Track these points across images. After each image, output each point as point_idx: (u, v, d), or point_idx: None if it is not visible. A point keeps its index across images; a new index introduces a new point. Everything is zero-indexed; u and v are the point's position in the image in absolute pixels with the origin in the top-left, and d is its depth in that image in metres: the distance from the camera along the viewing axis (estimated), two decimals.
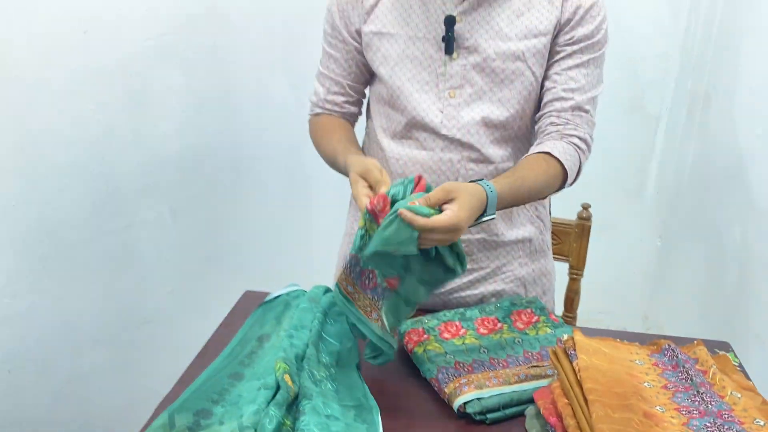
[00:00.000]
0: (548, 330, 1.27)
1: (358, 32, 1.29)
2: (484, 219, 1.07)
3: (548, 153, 1.19)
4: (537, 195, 1.21)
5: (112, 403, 1.70)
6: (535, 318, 1.30)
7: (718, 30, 2.21)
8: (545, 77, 1.25)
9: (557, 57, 1.23)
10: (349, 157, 1.17)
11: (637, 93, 2.47)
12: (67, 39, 1.40)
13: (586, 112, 1.24)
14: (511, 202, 1.15)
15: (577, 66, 1.23)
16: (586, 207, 1.71)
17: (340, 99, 1.37)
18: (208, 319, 1.73)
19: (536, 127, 1.29)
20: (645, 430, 0.86)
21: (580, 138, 1.23)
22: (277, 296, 1.39)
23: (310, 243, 2.13)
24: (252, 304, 1.38)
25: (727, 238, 2.06)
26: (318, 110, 1.40)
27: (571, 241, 1.71)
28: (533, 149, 1.23)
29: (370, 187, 1.08)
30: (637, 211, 2.64)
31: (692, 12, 2.31)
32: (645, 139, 2.55)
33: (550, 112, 1.24)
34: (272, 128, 2.03)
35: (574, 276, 1.74)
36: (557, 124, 1.23)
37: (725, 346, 1.24)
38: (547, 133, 1.24)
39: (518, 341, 1.23)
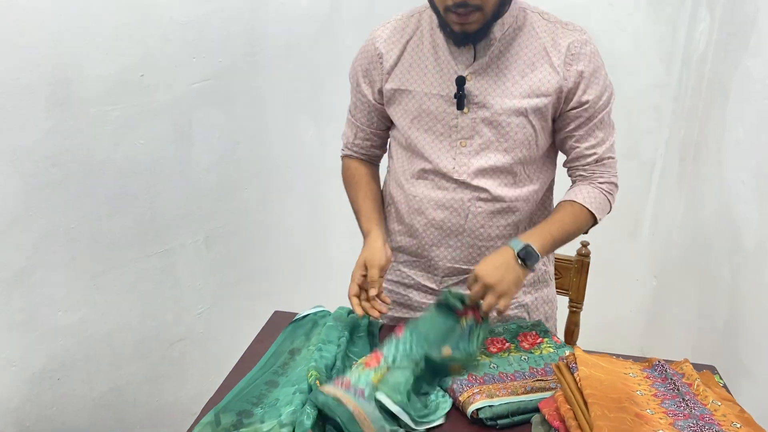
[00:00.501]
0: (551, 350, 1.41)
1: (380, 91, 1.44)
2: (522, 250, 1.31)
3: (575, 201, 1.40)
4: (570, 237, 1.41)
5: (146, 414, 1.82)
6: (539, 339, 1.44)
7: (707, 84, 2.37)
8: (569, 137, 1.41)
9: (576, 122, 1.38)
10: (372, 232, 1.44)
11: (633, 141, 2.61)
12: (126, 80, 1.57)
13: (609, 158, 1.43)
14: (546, 237, 1.36)
15: (595, 126, 1.38)
16: (585, 245, 1.85)
17: (366, 144, 1.55)
18: (235, 339, 1.86)
19: (568, 173, 1.48)
20: (637, 427, 0.99)
21: (608, 182, 1.43)
22: (305, 315, 1.53)
23: (329, 269, 2.27)
24: (281, 322, 1.51)
25: (718, 276, 2.19)
26: (347, 152, 1.58)
27: (571, 276, 1.84)
28: (565, 196, 1.44)
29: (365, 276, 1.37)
30: (634, 252, 2.77)
31: (684, 68, 2.48)
32: (640, 185, 2.69)
33: (577, 166, 1.44)
34: (297, 165, 2.19)
35: (574, 309, 1.87)
36: (586, 177, 1.43)
37: (711, 370, 1.37)
38: (579, 182, 1.45)
39: (524, 359, 1.37)
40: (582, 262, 1.84)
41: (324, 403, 1.13)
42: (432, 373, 1.23)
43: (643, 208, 2.71)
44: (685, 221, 2.51)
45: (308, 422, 1.13)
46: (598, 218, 1.42)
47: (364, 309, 1.36)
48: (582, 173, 1.44)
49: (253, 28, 1.91)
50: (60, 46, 1.43)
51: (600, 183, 1.42)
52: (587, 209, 1.40)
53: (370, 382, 1.19)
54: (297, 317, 1.52)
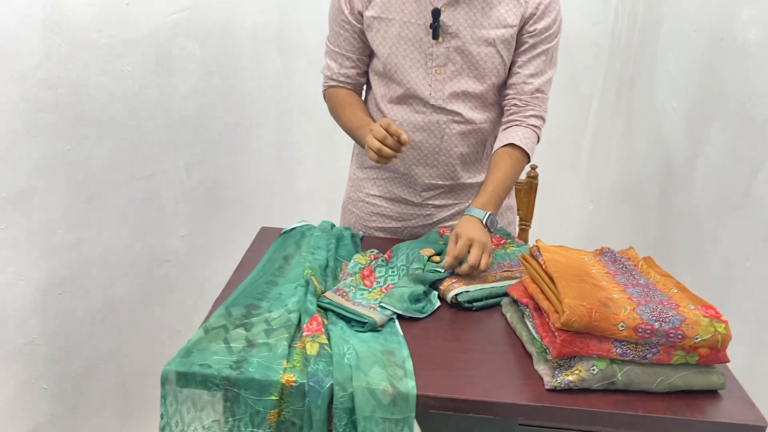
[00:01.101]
0: (514, 248, 1.61)
1: (361, 14, 1.53)
2: (487, 219, 1.45)
3: (512, 144, 1.52)
4: (513, 181, 1.54)
5: (137, 330, 1.93)
6: (504, 241, 1.63)
7: (641, 21, 2.57)
8: (513, 63, 1.55)
9: (522, 48, 1.52)
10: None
11: (572, 76, 2.78)
12: (114, 8, 1.63)
13: (543, 92, 1.57)
14: (497, 200, 1.49)
15: (538, 55, 1.53)
16: (533, 167, 2.05)
17: (352, 72, 1.62)
18: (215, 262, 1.98)
19: (502, 102, 1.60)
20: (596, 292, 1.19)
21: (537, 116, 1.56)
22: (293, 228, 1.67)
23: (298, 191, 2.39)
24: (269, 236, 1.65)
25: (649, 197, 2.43)
26: (332, 83, 1.65)
27: (522, 196, 2.04)
28: (499, 141, 1.55)
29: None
30: (572, 180, 3.00)
31: (619, 6, 2.67)
32: (579, 117, 2.87)
33: (513, 94, 1.56)
34: (266, 95, 2.28)
35: (524, 226, 2.07)
36: (519, 107, 1.55)
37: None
38: (511, 114, 1.56)
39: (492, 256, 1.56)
40: (531, 183, 2.04)
41: (329, 303, 1.31)
42: (425, 283, 1.40)
43: (582, 138, 2.92)
44: (621, 149, 2.74)
45: (312, 308, 1.29)
46: (531, 157, 1.56)
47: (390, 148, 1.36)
48: (516, 102, 1.56)
49: None
50: None
51: (529, 117, 1.55)
52: (525, 151, 1.54)
53: (365, 299, 1.36)
54: (285, 230, 1.66)
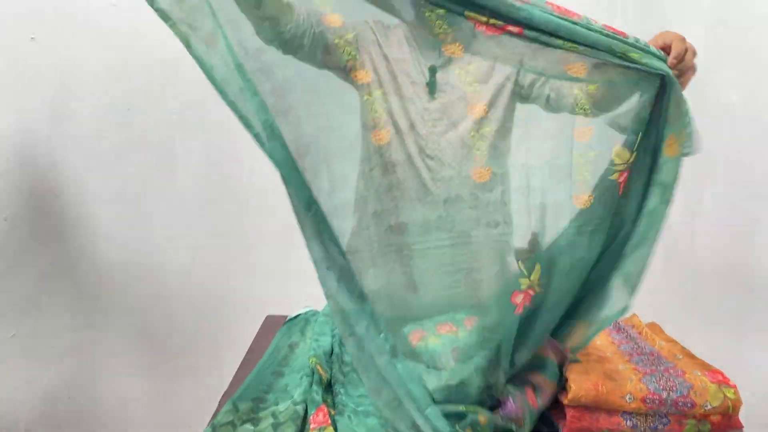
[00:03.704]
0: None
1: None
2: None
3: None
4: None
5: (150, 427, 1.91)
6: None
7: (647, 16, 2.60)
8: None
9: None
10: None
11: None
12: (114, 115, 1.71)
13: None
14: None
15: None
16: None
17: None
18: (225, 349, 1.97)
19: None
20: (600, 365, 1.19)
21: None
22: (297, 315, 1.68)
23: (305, 277, 2.39)
24: (275, 324, 1.65)
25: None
26: None
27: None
28: None
29: None
30: None
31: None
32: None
33: None
34: (268, 182, 2.32)
35: None
36: None
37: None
38: None
39: None
40: None
41: None
42: None
43: None
44: None
45: (318, 398, 1.28)
46: None
47: None
48: None
49: None
50: (57, 89, 1.56)
51: None
52: None
53: None
54: (289, 318, 1.67)
